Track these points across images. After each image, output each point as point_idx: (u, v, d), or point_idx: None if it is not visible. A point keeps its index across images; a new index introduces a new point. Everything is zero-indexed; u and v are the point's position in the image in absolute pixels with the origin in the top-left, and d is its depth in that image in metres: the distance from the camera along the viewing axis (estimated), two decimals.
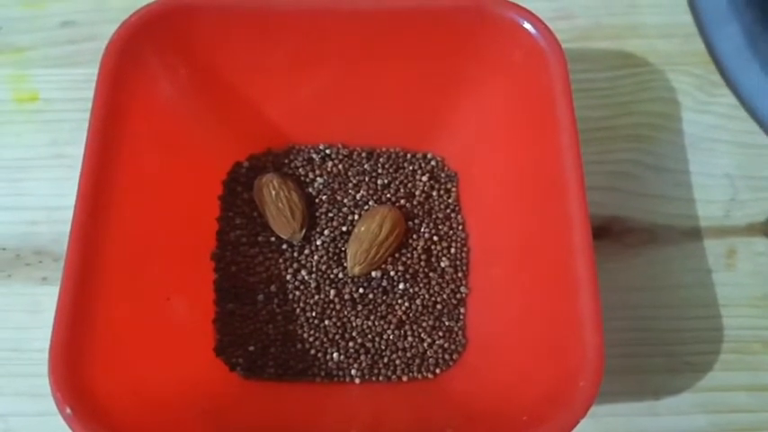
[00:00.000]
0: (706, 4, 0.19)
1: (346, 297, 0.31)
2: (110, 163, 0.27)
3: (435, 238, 0.32)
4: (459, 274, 0.31)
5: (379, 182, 0.33)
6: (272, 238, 0.32)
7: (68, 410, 0.22)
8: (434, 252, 0.32)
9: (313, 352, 0.30)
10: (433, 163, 0.34)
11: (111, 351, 0.25)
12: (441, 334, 0.30)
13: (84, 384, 0.23)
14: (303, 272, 0.31)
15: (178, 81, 0.30)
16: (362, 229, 0.31)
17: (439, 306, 0.31)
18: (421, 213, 0.32)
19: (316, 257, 0.31)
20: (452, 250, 0.32)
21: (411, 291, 0.31)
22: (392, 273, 0.31)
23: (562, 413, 0.23)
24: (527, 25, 0.28)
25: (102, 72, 0.27)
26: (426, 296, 0.31)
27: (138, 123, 0.28)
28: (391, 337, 0.30)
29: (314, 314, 0.31)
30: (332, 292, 0.31)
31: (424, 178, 0.33)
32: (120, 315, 0.26)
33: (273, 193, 0.31)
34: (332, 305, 0.31)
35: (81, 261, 0.25)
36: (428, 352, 0.30)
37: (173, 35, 0.29)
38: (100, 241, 0.26)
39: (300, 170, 0.33)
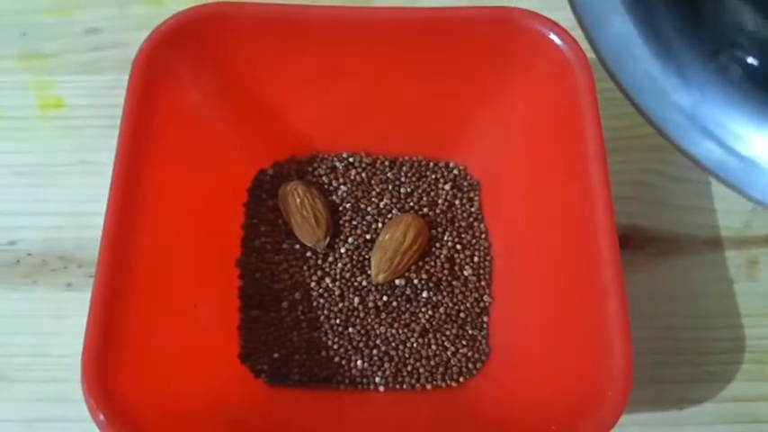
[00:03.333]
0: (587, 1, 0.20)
1: (370, 305, 0.31)
2: (139, 171, 0.27)
3: (458, 246, 0.32)
4: (483, 283, 0.31)
5: (402, 190, 0.33)
6: (297, 246, 0.32)
7: (101, 417, 0.22)
8: (457, 260, 0.32)
9: (337, 359, 0.30)
10: (455, 171, 0.34)
11: (141, 358, 0.25)
12: (464, 342, 0.30)
13: (116, 391, 0.23)
14: (327, 279, 0.31)
15: (205, 89, 0.30)
16: (386, 237, 0.31)
17: (462, 315, 0.31)
18: (444, 222, 0.33)
19: (340, 265, 0.31)
20: (475, 259, 0.32)
21: (434, 299, 0.31)
22: (415, 281, 0.31)
23: (590, 424, 0.23)
24: (553, 36, 0.29)
25: (133, 80, 0.27)
26: (450, 304, 0.31)
27: (166, 132, 0.28)
28: (415, 345, 0.30)
29: (338, 321, 0.31)
30: (356, 299, 0.31)
31: (447, 187, 0.33)
32: (149, 322, 0.26)
33: (298, 200, 0.31)
34: (356, 313, 0.31)
35: (112, 269, 0.25)
36: (452, 360, 0.30)
37: (201, 43, 0.29)
38: (130, 249, 0.26)
39: (324, 178, 0.33)
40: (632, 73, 0.19)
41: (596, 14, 0.19)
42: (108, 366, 0.24)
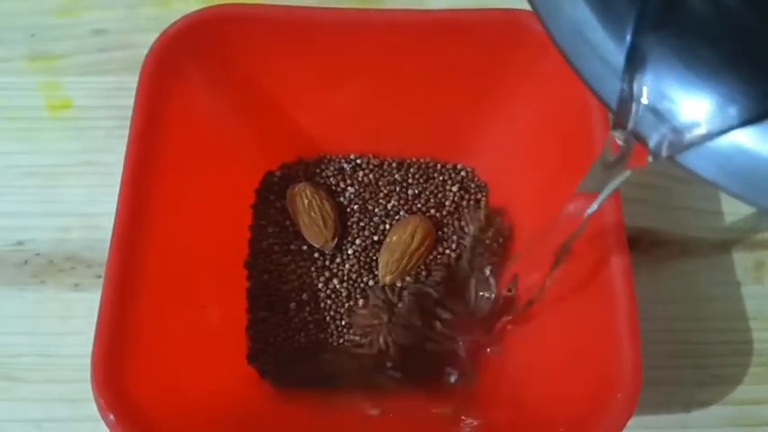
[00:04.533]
0: None
1: None
2: (148, 172, 0.27)
3: None
4: None
5: (410, 192, 0.33)
6: (304, 247, 0.32)
7: (111, 417, 0.22)
8: None
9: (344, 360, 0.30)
10: (463, 173, 0.34)
11: (149, 358, 0.25)
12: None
13: (126, 391, 0.23)
14: (335, 280, 0.31)
15: (214, 90, 0.30)
16: (394, 238, 0.31)
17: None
18: (451, 223, 0.33)
19: (347, 266, 0.31)
20: None
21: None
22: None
23: (600, 425, 0.23)
24: None
25: (142, 80, 0.27)
26: None
27: (175, 133, 0.28)
28: None
29: (345, 323, 0.31)
30: (362, 301, 0.31)
31: (454, 188, 0.33)
32: (158, 323, 0.26)
33: (306, 202, 0.31)
34: None
35: (121, 269, 0.25)
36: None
37: (210, 44, 0.29)
38: (139, 250, 0.26)
39: (332, 179, 0.33)
40: (587, 59, 0.19)
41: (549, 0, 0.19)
42: (117, 366, 0.24)
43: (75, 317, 0.32)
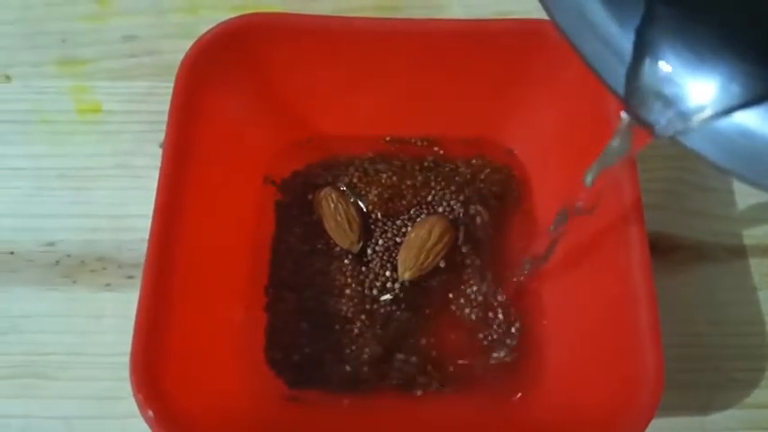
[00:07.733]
0: None
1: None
2: (182, 177, 0.28)
3: None
4: None
5: (432, 194, 0.34)
6: (329, 248, 0.33)
7: (150, 413, 0.23)
8: None
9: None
10: (483, 175, 0.34)
11: (184, 356, 0.26)
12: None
13: (163, 388, 0.24)
14: (360, 278, 0.32)
15: (243, 95, 0.31)
16: (412, 235, 0.32)
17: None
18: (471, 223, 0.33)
19: (370, 266, 0.32)
20: None
21: None
22: None
23: (623, 427, 0.24)
24: None
25: (177, 87, 0.28)
26: None
27: (206, 138, 0.29)
28: None
29: (368, 323, 0.31)
30: (386, 300, 0.32)
31: (476, 190, 0.34)
32: (190, 322, 0.27)
33: (332, 206, 0.32)
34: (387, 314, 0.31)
35: (158, 269, 0.26)
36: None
37: (242, 52, 0.30)
38: (174, 251, 0.26)
39: (356, 181, 0.34)
40: (589, 41, 0.19)
41: None
42: (155, 363, 0.24)
43: (106, 316, 0.32)
